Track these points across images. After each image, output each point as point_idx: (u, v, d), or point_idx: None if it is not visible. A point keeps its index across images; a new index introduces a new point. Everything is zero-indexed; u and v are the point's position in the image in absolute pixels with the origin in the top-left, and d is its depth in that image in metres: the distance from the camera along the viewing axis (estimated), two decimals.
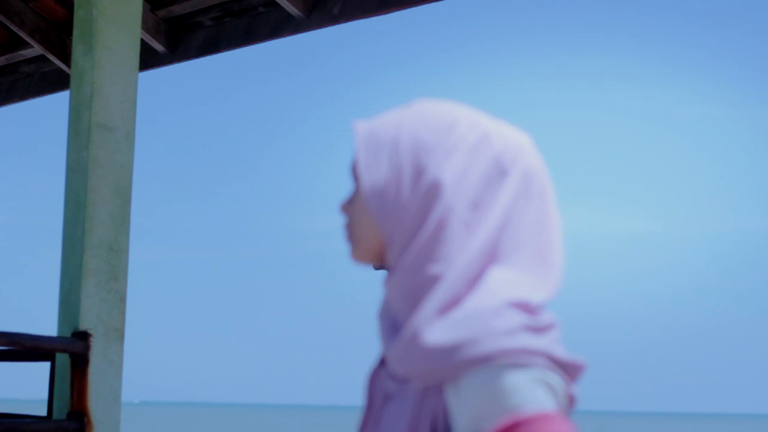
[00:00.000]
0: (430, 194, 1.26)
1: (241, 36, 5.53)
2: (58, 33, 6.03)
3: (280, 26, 5.35)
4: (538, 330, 1.21)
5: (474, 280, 1.24)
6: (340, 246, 1.42)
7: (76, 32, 4.24)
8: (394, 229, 1.28)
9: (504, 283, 1.24)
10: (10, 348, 4.23)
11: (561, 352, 1.21)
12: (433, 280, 1.24)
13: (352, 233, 1.35)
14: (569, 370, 1.21)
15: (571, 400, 1.23)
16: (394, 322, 1.29)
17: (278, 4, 5.26)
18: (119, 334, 4.08)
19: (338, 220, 1.42)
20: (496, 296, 1.22)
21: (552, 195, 1.31)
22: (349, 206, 1.36)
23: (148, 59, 5.70)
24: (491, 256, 1.25)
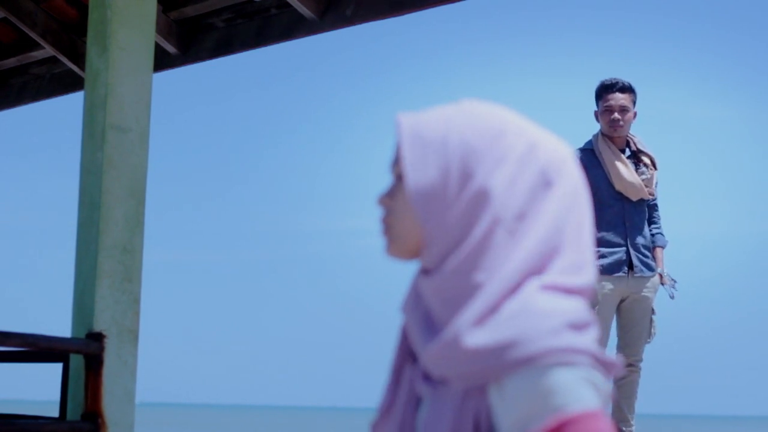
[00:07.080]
0: (477, 202, 1.26)
1: (253, 37, 5.52)
2: (70, 34, 6.03)
3: (293, 28, 5.34)
4: (580, 327, 1.21)
5: (513, 289, 1.23)
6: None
7: (90, 33, 4.24)
8: (437, 231, 1.27)
9: (541, 284, 1.24)
10: (24, 349, 4.23)
11: (600, 350, 1.21)
12: (475, 288, 1.23)
13: (390, 228, 1.33)
14: (607, 368, 1.21)
15: (607, 398, 1.23)
16: (426, 317, 1.28)
17: (291, 6, 5.25)
18: (133, 336, 4.08)
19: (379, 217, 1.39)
20: (534, 296, 1.22)
21: (589, 208, 1.31)
22: (388, 200, 1.34)
23: (160, 61, 5.69)
24: (533, 267, 1.24)
